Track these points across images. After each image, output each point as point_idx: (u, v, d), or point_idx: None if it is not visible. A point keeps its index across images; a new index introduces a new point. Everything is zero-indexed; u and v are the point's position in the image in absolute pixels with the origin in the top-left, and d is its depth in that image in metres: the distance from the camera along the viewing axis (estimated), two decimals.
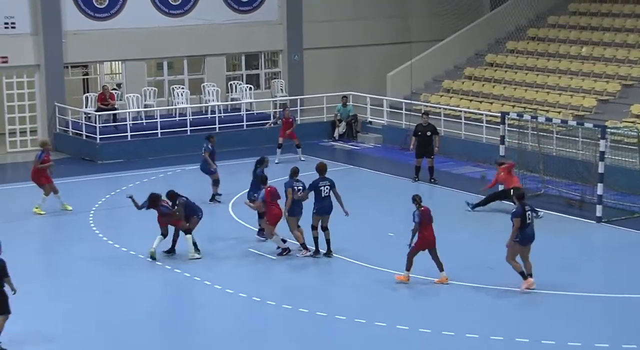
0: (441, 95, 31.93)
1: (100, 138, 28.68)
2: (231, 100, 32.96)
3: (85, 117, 29.74)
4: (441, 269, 17.37)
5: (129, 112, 30.16)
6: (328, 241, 18.87)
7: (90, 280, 17.80)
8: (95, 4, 30.71)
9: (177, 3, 32.03)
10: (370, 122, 31.95)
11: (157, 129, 29.63)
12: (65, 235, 21.27)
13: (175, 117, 31.11)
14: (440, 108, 30.05)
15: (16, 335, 14.72)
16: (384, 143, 30.90)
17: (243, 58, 34.02)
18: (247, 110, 31.94)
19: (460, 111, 29.31)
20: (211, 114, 31.25)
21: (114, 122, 29.98)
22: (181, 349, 14.74)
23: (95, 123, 29.01)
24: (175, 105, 31.68)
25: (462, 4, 34.25)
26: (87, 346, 14.94)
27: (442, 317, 15.94)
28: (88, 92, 31.89)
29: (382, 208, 23.35)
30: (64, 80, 30.46)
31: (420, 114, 26.61)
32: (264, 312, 16.22)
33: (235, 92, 33.15)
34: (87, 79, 33.39)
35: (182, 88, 32.28)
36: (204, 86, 32.63)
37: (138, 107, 30.95)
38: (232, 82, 33.45)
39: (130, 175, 26.47)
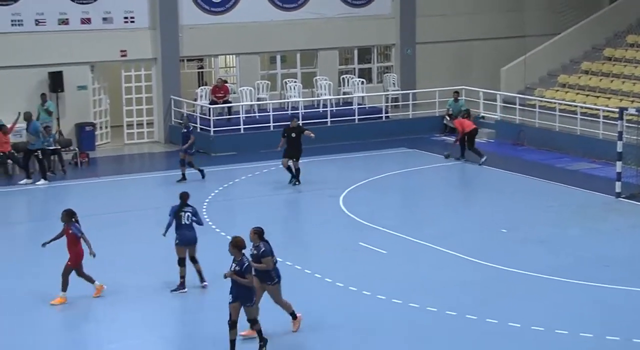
0: (556, 90, 31.32)
1: (214, 131, 29.08)
2: (343, 94, 33.01)
3: (199, 110, 30.21)
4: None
5: (242, 105, 30.50)
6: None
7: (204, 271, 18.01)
8: None
9: None
10: (483, 117, 31.56)
11: (269, 122, 29.88)
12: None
13: (288, 110, 31.30)
14: (555, 103, 29.50)
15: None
16: (497, 138, 30.48)
17: (356, 52, 34.02)
18: (359, 104, 31.93)
19: (576, 106, 28.70)
20: (323, 108, 31.36)
21: (228, 115, 30.36)
22: (289, 341, 14.80)
23: (209, 116, 29.43)
24: (288, 98, 31.91)
25: None
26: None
27: (555, 314, 15.64)
28: (203, 85, 32.38)
29: (494, 204, 23.05)
30: (179, 74, 30.99)
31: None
32: (373, 306, 16.17)
33: (348, 85, 33.18)
34: (202, 72, 33.93)
35: (295, 82, 32.47)
36: (316, 80, 32.76)
37: (251, 101, 31.28)
38: (344, 75, 33.49)
39: (242, 168, 26.77)
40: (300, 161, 24.74)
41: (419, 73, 34.09)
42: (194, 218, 16.85)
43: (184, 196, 17.07)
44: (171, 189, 24.76)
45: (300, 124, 25.91)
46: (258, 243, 14.52)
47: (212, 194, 23.97)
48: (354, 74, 33.69)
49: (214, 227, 20.92)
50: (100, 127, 30.27)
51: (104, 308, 16.19)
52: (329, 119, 30.63)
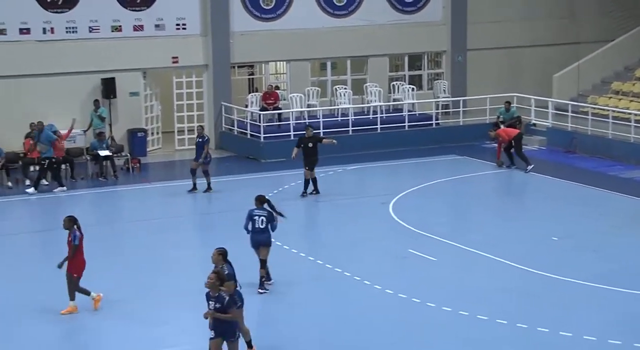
0: (610, 97, 30.96)
1: (264, 137, 29.17)
2: (393, 101, 32.94)
3: (250, 116, 30.33)
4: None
5: (292, 112, 30.57)
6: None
7: (249, 276, 18.03)
8: (262, 5, 31.29)
9: (342, 4, 32.26)
10: (535, 124, 31.30)
11: (319, 129, 29.91)
12: (230, 231, 21.73)
13: (338, 117, 31.33)
14: (608, 110, 29.16)
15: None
16: (548, 145, 30.21)
17: (406, 59, 33.95)
18: (409, 111, 31.84)
19: (630, 114, 28.35)
20: (373, 115, 31.32)
21: (278, 121, 30.45)
22: (339, 348, 14.78)
23: (260, 122, 29.54)
24: (338, 105, 31.92)
25: (634, 2, 33.10)
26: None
27: (607, 324, 15.42)
28: (253, 91, 32.52)
29: (545, 211, 22.83)
30: (230, 80, 31.15)
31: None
32: (423, 314, 16.09)
33: (398, 92, 33.11)
34: (252, 78, 34.07)
35: (345, 88, 32.48)
36: (366, 86, 32.73)
37: (301, 107, 31.33)
38: (394, 82, 33.43)
39: (292, 174, 26.78)
40: (339, 169, 24.64)
41: (470, 80, 33.92)
42: (268, 222, 16.85)
43: (259, 199, 17.08)
44: (220, 195, 24.93)
45: (316, 132, 25.70)
46: (222, 265, 13.88)
47: None
48: (405, 81, 33.61)
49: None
50: (152, 133, 30.52)
51: (154, 312, 16.28)
52: (379, 126, 30.59)
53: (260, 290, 16.94)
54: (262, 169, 27.95)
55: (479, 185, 25.88)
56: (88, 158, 27.24)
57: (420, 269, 18.51)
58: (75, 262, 15.95)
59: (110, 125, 28.91)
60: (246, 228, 17.02)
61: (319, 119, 30.18)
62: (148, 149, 29.90)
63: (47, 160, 25.17)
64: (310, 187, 24.34)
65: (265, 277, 17.10)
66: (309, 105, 31.60)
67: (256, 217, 16.86)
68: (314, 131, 25.17)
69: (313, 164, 24.13)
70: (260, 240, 16.89)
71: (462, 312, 15.98)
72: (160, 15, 29.80)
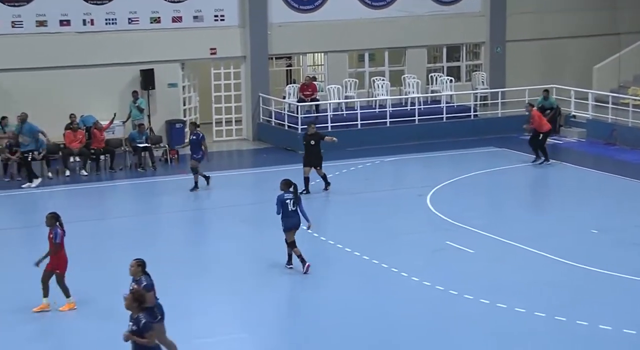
0: None
1: (301, 128, 29.17)
2: (431, 92, 32.82)
3: (287, 108, 30.35)
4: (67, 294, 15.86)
5: (329, 103, 30.55)
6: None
7: (292, 272, 18.10)
8: None
9: None
10: (574, 116, 31.05)
11: (357, 120, 29.89)
12: (265, 221, 21.81)
13: (375, 108, 31.28)
14: None
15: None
16: (588, 138, 29.95)
17: (444, 50, 33.80)
18: (447, 103, 31.71)
19: None
20: (411, 106, 31.23)
21: (316, 112, 30.45)
22: (376, 341, 14.78)
23: (297, 113, 29.56)
24: (376, 96, 31.86)
25: None
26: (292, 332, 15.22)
27: None
28: (291, 83, 32.55)
29: (584, 204, 22.65)
30: (268, 72, 31.19)
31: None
32: (460, 306, 16.03)
33: (436, 84, 32.98)
34: (290, 70, 34.09)
35: (383, 80, 32.41)
36: (404, 78, 32.64)
37: (339, 98, 31.31)
38: (432, 74, 33.30)
39: (330, 166, 26.73)
40: (377, 160, 24.50)
41: (509, 71, 33.70)
42: (296, 204, 17.43)
43: (286, 183, 17.60)
44: (258, 185, 25.01)
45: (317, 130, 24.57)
46: (140, 277, 13.11)
47: (299, 192, 23.95)
48: (443, 72, 33.47)
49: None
50: None
51: (193, 303, 16.36)
52: (416, 118, 30.52)
53: (305, 271, 17.55)
54: (299, 160, 27.88)
55: (517, 178, 25.73)
56: (127, 149, 27.43)
57: (458, 261, 18.44)
58: (57, 260, 15.78)
59: (148, 116, 29.08)
60: (278, 213, 17.46)
61: (356, 110, 30.15)
62: (186, 140, 30.00)
63: (29, 153, 24.93)
64: (314, 186, 23.55)
65: (289, 259, 17.74)
66: (346, 97, 31.57)
67: (288, 201, 17.43)
68: (317, 127, 24.57)
69: (319, 162, 23.48)
70: (295, 223, 17.54)
71: (500, 304, 15.90)
72: (199, 6, 29.90)
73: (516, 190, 24.65)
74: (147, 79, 28.94)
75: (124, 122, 28.51)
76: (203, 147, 24.18)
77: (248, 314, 15.94)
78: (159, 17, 29.46)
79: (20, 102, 27.25)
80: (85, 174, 26.13)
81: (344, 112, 30.74)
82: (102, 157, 26.75)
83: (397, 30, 32.28)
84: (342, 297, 16.60)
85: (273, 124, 30.63)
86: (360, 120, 29.86)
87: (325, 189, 23.80)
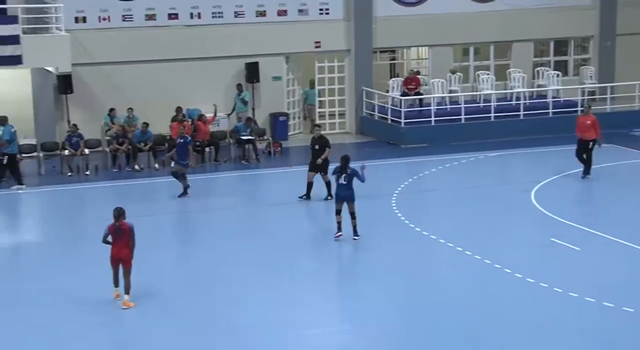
0: None
1: (404, 122, 29.06)
2: (537, 87, 32.27)
3: (391, 102, 30.26)
4: (126, 291, 15.73)
5: (433, 97, 30.34)
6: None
7: (389, 262, 18.05)
8: None
9: None
10: None
11: (460, 115, 29.60)
12: (369, 216, 21.77)
13: (480, 103, 30.92)
14: None
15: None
16: None
17: (552, 44, 33.20)
18: (553, 97, 31.14)
19: None
20: (516, 101, 30.78)
21: (419, 106, 30.27)
22: (475, 336, 14.60)
23: (401, 107, 29.42)
24: (480, 91, 31.49)
25: None
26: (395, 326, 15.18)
27: None
28: (395, 76, 32.40)
29: None
30: (372, 65, 31.13)
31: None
32: (564, 304, 15.71)
33: (542, 78, 32.41)
34: (394, 63, 33.96)
35: (488, 74, 32.01)
36: (509, 72, 32.18)
37: (443, 93, 31.07)
38: (538, 68, 32.74)
39: (432, 160, 26.64)
40: (481, 155, 24.15)
41: (619, 66, 32.91)
42: (350, 177, 18.93)
43: (344, 159, 19.21)
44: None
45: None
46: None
47: (402, 186, 23.95)
48: (549, 67, 32.88)
49: (402, 218, 20.90)
50: (293, 117, 30.82)
51: (303, 294, 16.44)
52: (522, 112, 30.07)
53: (355, 237, 19.04)
54: (402, 154, 27.86)
55: (626, 174, 25.13)
56: (231, 141, 27.73)
57: (563, 259, 18.09)
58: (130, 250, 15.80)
59: (252, 109, 29.34)
60: (363, 180, 19.16)
61: (460, 104, 29.88)
62: (289, 133, 30.21)
63: (7, 156, 24.31)
64: (316, 193, 22.52)
65: (354, 229, 19.10)
66: (450, 91, 31.30)
67: (340, 175, 19.04)
68: (322, 131, 23.57)
69: (323, 168, 22.23)
70: (345, 195, 19.03)
71: (607, 303, 15.54)
72: (304, 0, 30.01)
73: (625, 187, 24.02)
74: (252, 72, 29.20)
75: (228, 115, 28.84)
76: (190, 152, 23.69)
77: (352, 305, 15.95)
78: (264, 11, 29.68)
79: (128, 94, 27.83)
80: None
81: (448, 106, 30.47)
82: (206, 149, 27.08)
83: (503, 23, 31.84)
84: (441, 291, 16.45)
85: (376, 118, 30.56)
86: (464, 115, 29.56)
87: (326, 198, 22.24)
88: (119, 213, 15.73)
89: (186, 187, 22.98)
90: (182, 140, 23.42)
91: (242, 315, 15.41)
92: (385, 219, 20.91)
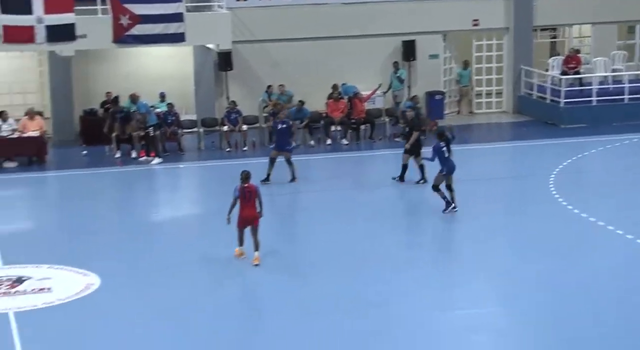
0: None
1: (564, 102, 28.34)
2: None
3: (550, 81, 29.55)
4: (256, 248, 16.29)
5: (594, 77, 29.45)
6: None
7: (544, 243, 17.68)
8: None
9: None
10: None
11: (624, 95, 28.66)
12: (525, 196, 21.39)
13: None
14: None
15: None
16: None
17: None
18: None
19: None
20: None
21: (580, 86, 29.47)
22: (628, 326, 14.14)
23: (560, 86, 28.71)
24: None
25: None
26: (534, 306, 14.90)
27: None
28: (555, 55, 31.63)
29: None
30: (532, 43, 30.45)
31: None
32: None
33: None
34: (554, 42, 33.14)
35: None
36: None
37: (605, 72, 30.12)
38: None
39: (592, 141, 25.92)
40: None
41: None
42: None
43: (440, 134, 19.88)
44: (516, 159, 24.56)
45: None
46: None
47: (561, 166, 23.39)
48: None
49: (560, 199, 20.43)
50: (449, 96, 30.53)
51: (455, 274, 16.33)
52: None
53: (454, 209, 19.45)
54: (561, 134, 27.21)
55: None
56: (387, 119, 27.70)
57: None
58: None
59: (409, 87, 29.23)
60: (432, 159, 19.76)
61: (624, 84, 28.93)
62: (445, 112, 29.94)
63: (152, 127, 24.96)
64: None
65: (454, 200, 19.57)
66: (613, 70, 30.30)
67: (443, 149, 19.56)
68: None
69: (416, 150, 21.95)
70: (452, 167, 19.54)
71: None
72: None
73: None
74: (409, 50, 29.06)
75: (384, 93, 28.81)
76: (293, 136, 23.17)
77: (505, 287, 15.71)
78: None
79: (286, 71, 28.17)
80: (346, 143, 26.66)
81: (610, 86, 29.54)
82: (362, 126, 27.16)
83: None
84: (592, 273, 16.03)
85: (534, 97, 29.92)
86: (628, 95, 28.60)
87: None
88: (247, 176, 16.28)
89: (293, 172, 22.26)
90: (284, 126, 22.46)
91: (389, 291, 15.38)
92: (541, 200, 20.50)
